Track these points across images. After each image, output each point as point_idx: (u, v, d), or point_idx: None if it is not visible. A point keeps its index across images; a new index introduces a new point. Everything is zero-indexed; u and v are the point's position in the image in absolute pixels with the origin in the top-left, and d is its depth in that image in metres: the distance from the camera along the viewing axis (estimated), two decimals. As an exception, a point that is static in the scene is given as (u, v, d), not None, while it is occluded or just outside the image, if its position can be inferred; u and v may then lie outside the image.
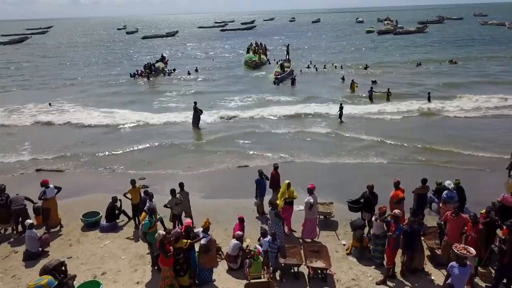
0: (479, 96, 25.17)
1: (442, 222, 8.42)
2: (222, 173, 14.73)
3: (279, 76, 31.35)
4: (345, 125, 20.19)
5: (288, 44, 40.65)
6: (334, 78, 32.75)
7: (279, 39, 72.87)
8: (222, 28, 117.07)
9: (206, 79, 35.42)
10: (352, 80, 28.23)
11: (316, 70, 36.23)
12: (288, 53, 39.57)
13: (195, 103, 20.46)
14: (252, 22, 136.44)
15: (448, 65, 37.74)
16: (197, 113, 20.26)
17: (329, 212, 10.36)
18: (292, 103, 25.09)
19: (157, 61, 41.68)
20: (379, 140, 17.59)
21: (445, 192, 9.36)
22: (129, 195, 10.59)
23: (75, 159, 16.52)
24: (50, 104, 26.00)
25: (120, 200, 10.94)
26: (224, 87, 31.45)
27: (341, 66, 37.08)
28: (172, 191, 9.98)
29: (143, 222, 8.56)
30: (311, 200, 9.20)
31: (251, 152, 16.62)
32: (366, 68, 35.63)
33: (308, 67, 37.36)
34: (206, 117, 21.47)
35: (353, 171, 14.52)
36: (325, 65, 37.56)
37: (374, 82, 28.77)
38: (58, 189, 10.78)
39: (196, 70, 39.11)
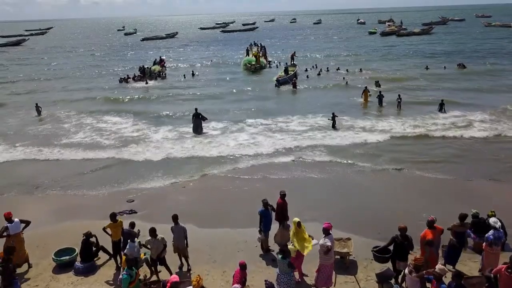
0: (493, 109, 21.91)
1: (492, 276, 6.77)
2: (221, 193, 13.04)
3: (280, 79, 30.50)
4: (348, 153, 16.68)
5: (294, 52, 38.88)
6: (338, 83, 30.73)
7: (280, 40, 71.24)
8: (223, 29, 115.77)
9: (202, 85, 33.02)
10: (366, 88, 24.89)
11: (319, 74, 34.58)
12: (293, 59, 37.82)
13: (196, 109, 19.84)
14: (253, 23, 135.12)
15: (457, 69, 36.03)
16: (198, 119, 19.45)
17: (347, 252, 8.68)
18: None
19: (154, 63, 40.23)
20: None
21: (491, 232, 7.67)
22: (108, 230, 8.95)
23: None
24: None
25: (95, 236, 9.18)
26: (221, 97, 28.36)
27: (347, 70, 35.35)
28: (152, 231, 8.32)
29: (121, 275, 6.91)
30: (328, 244, 7.54)
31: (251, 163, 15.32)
32: (377, 84, 28.84)
33: (306, 70, 36.02)
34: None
35: (366, 189, 12.90)
36: (327, 68, 36.32)
37: (377, 83, 28.00)
38: (26, 223, 9.11)
39: (193, 74, 37.58)
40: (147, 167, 15.54)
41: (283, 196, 9.46)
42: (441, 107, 21.78)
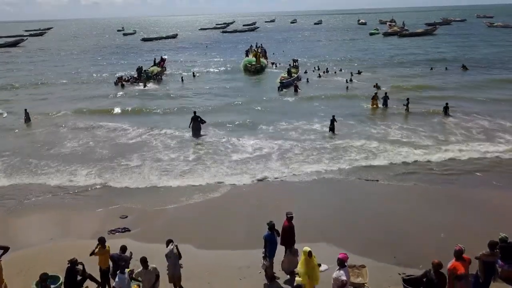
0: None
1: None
2: (221, 210, 12.11)
3: (284, 81, 29.64)
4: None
5: (298, 60, 38.09)
6: (342, 88, 29.51)
7: (282, 42, 70.30)
8: (224, 30, 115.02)
9: (200, 87, 31.79)
10: (375, 94, 23.55)
11: (319, 77, 33.74)
12: (295, 64, 36.95)
13: (195, 112, 19.34)
14: (254, 23, 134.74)
15: (462, 71, 35.15)
16: (197, 122, 18.97)
17: (362, 284, 7.75)
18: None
19: (155, 63, 39.33)
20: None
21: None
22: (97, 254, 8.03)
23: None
24: None
25: (81, 263, 8.21)
26: (221, 101, 26.92)
27: (351, 73, 34.41)
28: (143, 261, 7.42)
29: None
30: (343, 278, 6.63)
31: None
32: (377, 87, 27.92)
33: (306, 71, 35.39)
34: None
35: (375, 204, 11.99)
36: (327, 68, 35.90)
37: (377, 86, 27.64)
38: (4, 249, 8.19)
39: (194, 75, 36.83)
40: (142, 181, 14.27)
41: (290, 218, 8.56)
42: (446, 111, 21.34)
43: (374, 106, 23.07)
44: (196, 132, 18.89)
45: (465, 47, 50.71)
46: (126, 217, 11.80)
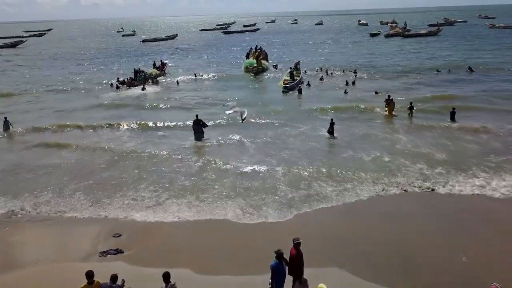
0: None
1: None
2: (222, 230, 11.12)
3: (288, 85, 29.10)
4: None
5: (299, 61, 37.25)
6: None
7: (283, 44, 69.48)
8: (225, 30, 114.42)
9: (203, 92, 30.35)
10: (391, 99, 21.77)
11: (322, 79, 32.85)
12: (297, 68, 36.06)
13: (197, 116, 18.67)
14: (254, 24, 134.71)
15: (468, 72, 34.27)
16: (199, 126, 18.46)
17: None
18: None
19: (154, 66, 38.51)
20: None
21: None
22: None
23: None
24: None
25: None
26: (222, 106, 24.38)
27: (355, 76, 33.49)
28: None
29: None
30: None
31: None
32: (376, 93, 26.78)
33: (306, 71, 34.85)
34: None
35: (386, 222, 11.11)
36: (327, 70, 35.30)
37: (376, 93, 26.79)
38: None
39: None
40: (138, 195, 13.21)
41: (297, 245, 7.69)
42: (453, 116, 20.60)
43: (389, 112, 21.62)
44: (199, 136, 18.50)
45: (478, 51, 47.98)
46: (120, 235, 10.95)
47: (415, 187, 13.05)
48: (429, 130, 19.01)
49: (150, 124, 21.72)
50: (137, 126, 21.53)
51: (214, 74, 37.49)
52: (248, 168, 14.94)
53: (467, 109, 22.41)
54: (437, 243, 10.00)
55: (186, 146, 17.96)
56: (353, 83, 30.40)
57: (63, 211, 12.33)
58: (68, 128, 21.55)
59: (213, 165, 15.49)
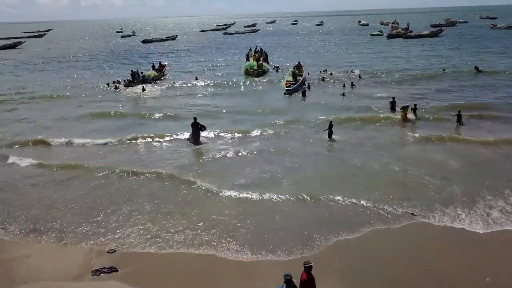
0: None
1: None
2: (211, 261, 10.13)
3: (291, 88, 28.17)
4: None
5: (299, 62, 36.47)
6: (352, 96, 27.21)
7: (285, 46, 68.58)
8: (225, 31, 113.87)
9: (203, 97, 29.21)
10: (408, 107, 20.72)
11: (323, 80, 32.14)
12: (299, 66, 35.33)
13: (195, 118, 18.23)
14: (254, 25, 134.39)
15: (475, 73, 33.56)
16: (197, 128, 18.05)
17: None
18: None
19: (153, 68, 37.74)
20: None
21: None
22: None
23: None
24: None
25: None
26: (222, 111, 24.05)
27: (359, 77, 32.68)
28: None
29: None
30: None
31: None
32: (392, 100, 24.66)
33: (308, 73, 33.80)
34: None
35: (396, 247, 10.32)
36: (331, 73, 34.25)
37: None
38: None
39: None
40: (135, 207, 12.31)
41: (308, 268, 6.98)
42: (459, 119, 20.04)
43: (404, 118, 20.47)
44: (197, 139, 18.05)
45: (485, 53, 46.46)
46: (115, 251, 10.20)
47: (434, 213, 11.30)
48: (441, 140, 17.57)
49: (142, 139, 19.01)
50: (128, 141, 18.88)
51: (212, 77, 36.44)
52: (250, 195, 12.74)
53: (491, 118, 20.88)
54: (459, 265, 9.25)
55: (180, 163, 16.03)
56: (352, 84, 29.66)
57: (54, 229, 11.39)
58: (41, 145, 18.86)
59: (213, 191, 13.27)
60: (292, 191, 12.84)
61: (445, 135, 18.10)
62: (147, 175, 14.66)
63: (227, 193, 12.91)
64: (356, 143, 17.49)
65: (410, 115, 20.70)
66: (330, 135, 17.92)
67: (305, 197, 12.40)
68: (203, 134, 18.57)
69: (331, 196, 12.32)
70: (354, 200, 12.07)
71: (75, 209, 12.43)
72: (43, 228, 11.38)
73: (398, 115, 21.07)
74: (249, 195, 12.67)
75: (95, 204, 12.63)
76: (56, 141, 19.12)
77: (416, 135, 18.39)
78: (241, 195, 12.70)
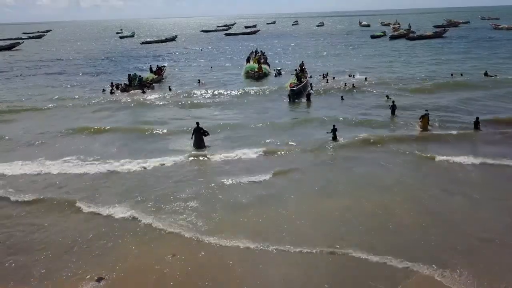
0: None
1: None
2: (223, 269, 9.30)
3: (295, 88, 26.41)
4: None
5: (303, 62, 35.53)
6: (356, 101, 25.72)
7: (285, 48, 67.58)
8: (226, 32, 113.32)
9: (204, 101, 27.60)
10: (427, 114, 19.13)
11: (327, 82, 31.22)
12: (302, 68, 34.27)
13: (198, 123, 17.59)
14: (255, 26, 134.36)
15: (484, 77, 32.28)
16: (200, 133, 17.59)
17: None
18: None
19: (151, 70, 36.68)
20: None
21: None
22: None
23: None
24: None
25: None
26: (223, 116, 22.75)
27: (365, 80, 31.61)
28: None
29: None
30: None
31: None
32: (388, 97, 25.24)
33: (311, 76, 32.75)
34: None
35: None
36: (333, 77, 32.97)
37: (388, 97, 25.35)
38: None
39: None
40: (129, 228, 11.18)
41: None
42: (476, 125, 18.98)
43: (424, 127, 18.99)
44: (200, 144, 17.50)
45: (493, 54, 45.03)
46: (103, 278, 9.16)
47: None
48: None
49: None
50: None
51: (213, 81, 35.11)
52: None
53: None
54: None
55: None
56: (353, 86, 28.71)
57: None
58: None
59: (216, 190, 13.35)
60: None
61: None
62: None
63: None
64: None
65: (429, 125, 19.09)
66: (334, 138, 17.65)
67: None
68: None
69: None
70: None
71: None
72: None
73: (416, 125, 19.37)
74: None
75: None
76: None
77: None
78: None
